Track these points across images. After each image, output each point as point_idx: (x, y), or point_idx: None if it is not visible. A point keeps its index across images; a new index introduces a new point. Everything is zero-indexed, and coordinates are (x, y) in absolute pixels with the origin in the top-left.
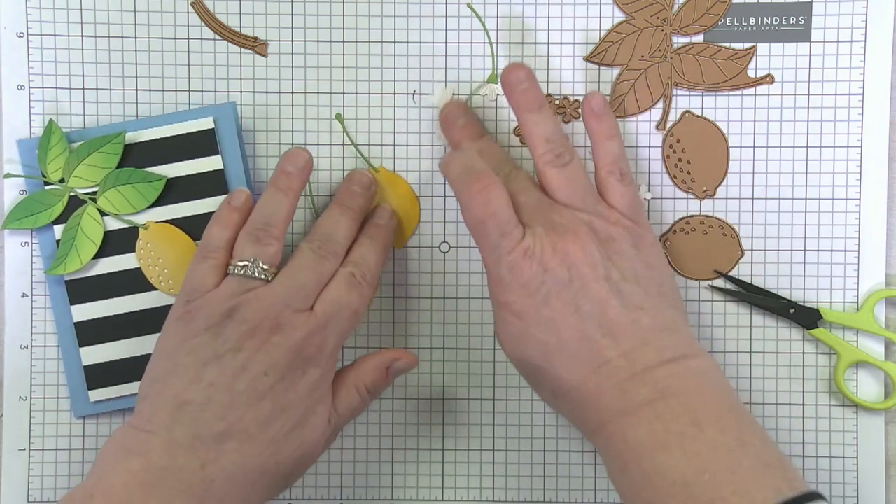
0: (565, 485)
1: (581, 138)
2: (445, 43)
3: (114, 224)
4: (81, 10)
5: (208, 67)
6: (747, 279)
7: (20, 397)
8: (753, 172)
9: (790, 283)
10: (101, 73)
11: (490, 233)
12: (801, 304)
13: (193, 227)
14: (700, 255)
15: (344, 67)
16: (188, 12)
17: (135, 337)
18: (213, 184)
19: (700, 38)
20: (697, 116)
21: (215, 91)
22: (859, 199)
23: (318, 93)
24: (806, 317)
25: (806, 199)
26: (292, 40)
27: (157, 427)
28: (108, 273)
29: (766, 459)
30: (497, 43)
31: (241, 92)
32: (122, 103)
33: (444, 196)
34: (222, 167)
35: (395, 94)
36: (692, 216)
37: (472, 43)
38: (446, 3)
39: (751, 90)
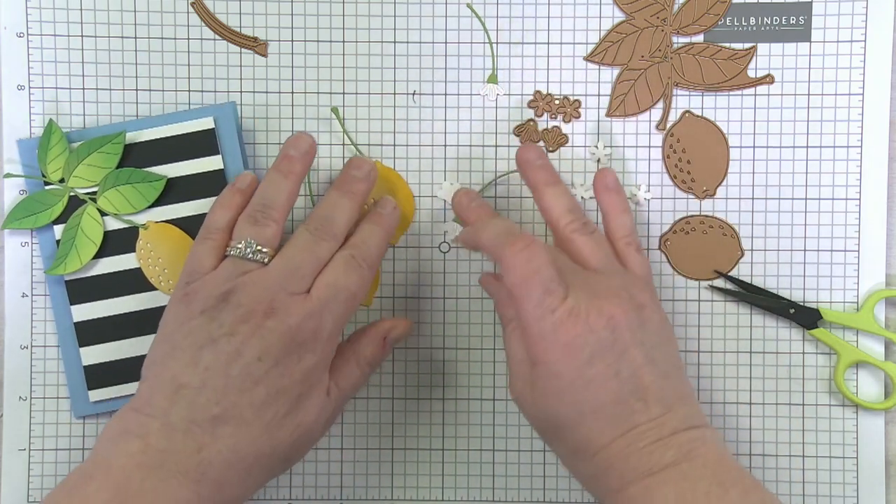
0: (565, 485)
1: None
2: (445, 43)
3: (114, 224)
4: (81, 10)
5: (208, 67)
6: (747, 279)
7: (20, 397)
8: (753, 172)
9: (790, 283)
10: (101, 73)
11: (533, 290)
12: (801, 304)
13: (193, 227)
14: (700, 255)
15: (344, 67)
16: (188, 12)
17: (135, 337)
18: (213, 184)
19: (700, 38)
20: (697, 116)
21: (215, 91)
22: (859, 199)
23: (317, 93)
24: (806, 317)
25: (806, 199)
26: (292, 40)
27: (156, 410)
28: (108, 273)
29: None
30: (497, 43)
31: (241, 92)
32: (122, 103)
33: (444, 196)
34: (222, 167)
35: (394, 93)
36: (692, 216)
37: (472, 43)
38: (446, 3)
39: (751, 90)
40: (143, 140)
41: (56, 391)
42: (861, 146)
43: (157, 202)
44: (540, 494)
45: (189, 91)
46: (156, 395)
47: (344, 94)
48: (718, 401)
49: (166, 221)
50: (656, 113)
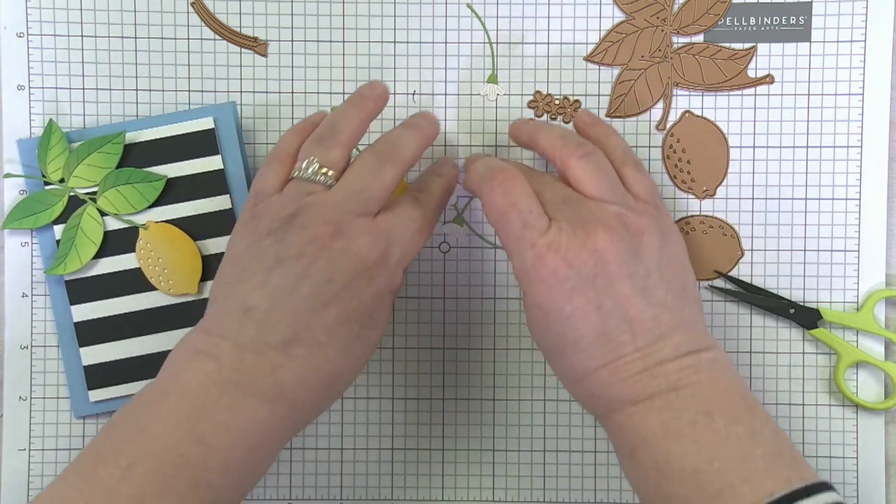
0: (565, 485)
1: None
2: (445, 43)
3: (114, 224)
4: (81, 10)
5: (208, 67)
6: (747, 279)
7: (20, 397)
8: (753, 172)
9: (790, 283)
10: (101, 73)
11: (512, 224)
12: (801, 304)
13: (193, 227)
14: (700, 255)
15: (344, 67)
16: (188, 12)
17: (135, 337)
18: (213, 184)
19: (700, 38)
20: (697, 116)
21: (215, 91)
22: (859, 199)
23: (317, 93)
24: (806, 317)
25: (806, 199)
26: (292, 40)
27: (226, 331)
28: (108, 273)
29: (778, 450)
30: (497, 43)
31: (241, 92)
32: (122, 103)
33: None
34: (222, 167)
35: (394, 94)
36: (692, 216)
37: (472, 43)
38: (446, 3)
39: (751, 90)
40: (143, 140)
41: (56, 391)
42: (861, 146)
43: (157, 202)
44: (540, 494)
45: (189, 91)
46: (225, 317)
47: (344, 94)
48: None
49: (166, 221)
50: (656, 113)
